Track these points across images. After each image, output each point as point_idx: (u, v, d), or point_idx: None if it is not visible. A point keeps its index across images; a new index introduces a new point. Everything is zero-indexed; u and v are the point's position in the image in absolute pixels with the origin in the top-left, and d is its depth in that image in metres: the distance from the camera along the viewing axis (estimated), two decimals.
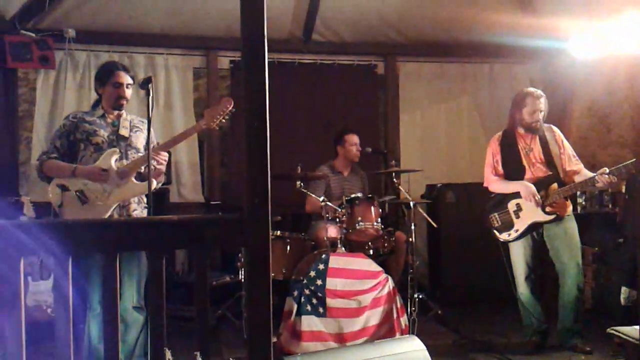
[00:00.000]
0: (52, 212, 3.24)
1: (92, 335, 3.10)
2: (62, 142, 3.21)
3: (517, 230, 3.72)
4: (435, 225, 4.55)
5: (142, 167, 3.19)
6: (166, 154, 3.19)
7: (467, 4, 5.18)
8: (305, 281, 3.57)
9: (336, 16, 5.36)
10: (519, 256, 3.76)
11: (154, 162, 3.09)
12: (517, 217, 3.71)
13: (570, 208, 3.73)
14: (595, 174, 3.49)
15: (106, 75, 3.24)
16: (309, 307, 3.51)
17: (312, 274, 3.59)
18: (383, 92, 5.89)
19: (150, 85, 2.87)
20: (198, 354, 1.62)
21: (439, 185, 5.28)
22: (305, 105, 5.60)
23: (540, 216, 3.65)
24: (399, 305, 3.65)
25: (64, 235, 1.68)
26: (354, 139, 4.87)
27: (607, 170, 3.42)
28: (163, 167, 3.21)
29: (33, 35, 4.67)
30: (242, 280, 4.24)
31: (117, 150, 3.19)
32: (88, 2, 4.80)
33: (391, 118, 5.85)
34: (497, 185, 3.85)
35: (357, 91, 5.75)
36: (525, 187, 3.68)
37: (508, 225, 3.75)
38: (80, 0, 4.77)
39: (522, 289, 3.78)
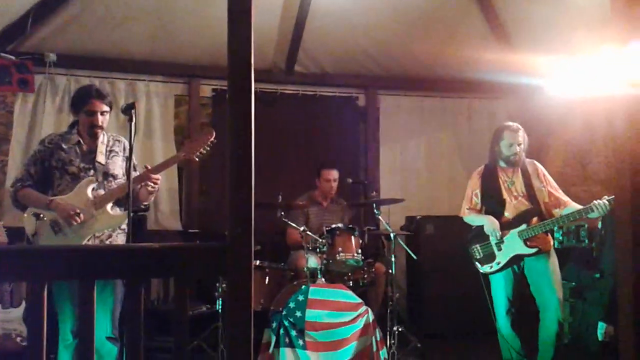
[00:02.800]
0: (26, 239, 3.16)
1: None
2: (36, 168, 3.14)
3: (498, 263, 3.72)
4: (415, 257, 4.55)
5: (121, 194, 3.13)
6: (159, 177, 3.14)
7: (448, 40, 5.29)
8: (284, 312, 3.51)
9: (319, 48, 5.42)
10: (499, 289, 3.76)
11: (150, 185, 3.08)
12: (499, 249, 3.72)
13: (552, 242, 3.76)
14: (591, 204, 3.50)
15: (80, 103, 3.17)
16: (287, 340, 3.45)
17: (292, 305, 3.54)
18: (364, 123, 5.94)
19: (132, 111, 2.84)
20: None
21: (418, 217, 5.30)
22: (286, 135, 5.62)
23: (522, 249, 3.66)
24: (378, 337, 3.60)
25: (39, 261, 1.64)
26: (330, 174, 4.89)
27: (607, 198, 3.45)
28: (157, 188, 3.17)
29: (12, 58, 4.62)
30: (219, 310, 4.17)
31: (94, 179, 3.12)
32: (70, 27, 4.77)
33: (371, 149, 5.89)
34: (469, 217, 3.93)
35: (339, 122, 5.79)
36: (489, 221, 3.74)
37: (490, 258, 3.76)
38: (62, 25, 4.73)
39: (502, 322, 3.76)
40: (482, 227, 3.81)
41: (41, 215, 3.05)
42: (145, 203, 3.24)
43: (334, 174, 4.90)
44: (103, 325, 3.00)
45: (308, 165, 5.20)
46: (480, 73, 5.52)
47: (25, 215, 3.10)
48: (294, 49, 5.34)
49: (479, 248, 3.81)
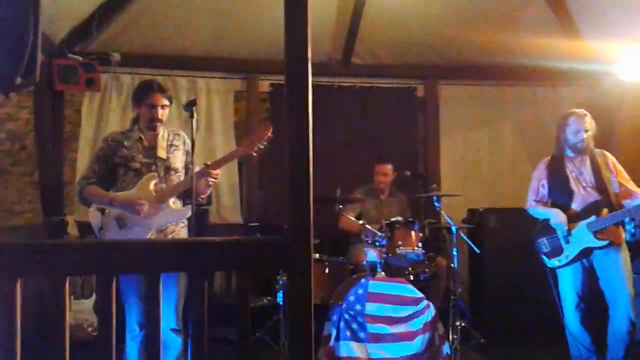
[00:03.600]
0: (94, 234, 3.28)
1: (130, 357, 3.10)
2: (100, 166, 3.23)
3: (567, 257, 3.59)
4: (477, 250, 4.44)
5: (183, 189, 3.20)
6: (219, 172, 3.19)
7: (509, 26, 5.11)
8: (344, 306, 3.50)
9: (376, 39, 5.36)
10: (568, 284, 3.63)
11: (211, 180, 3.13)
12: (567, 242, 3.59)
13: (623, 235, 3.58)
14: None
15: (141, 96, 3.24)
16: (348, 333, 3.44)
17: (351, 298, 3.52)
18: (423, 115, 5.84)
19: (194, 108, 2.88)
20: None
21: (481, 209, 5.17)
22: (344, 128, 5.59)
23: (591, 242, 3.51)
24: (440, 332, 3.54)
25: (106, 255, 1.68)
26: (383, 169, 4.84)
27: None
28: (216, 182, 3.23)
29: (80, 58, 4.79)
30: (280, 303, 4.20)
31: (156, 174, 3.20)
32: (133, 27, 4.91)
33: (431, 141, 5.79)
34: (534, 209, 3.82)
35: (397, 114, 5.71)
36: (556, 215, 3.62)
37: (557, 251, 3.63)
38: (125, 25, 4.88)
39: (571, 318, 3.63)
40: (548, 220, 3.68)
41: (106, 211, 3.15)
42: (203, 196, 3.29)
43: (386, 168, 4.85)
44: (167, 317, 3.08)
45: (365, 159, 5.16)
46: (544, 59, 5.32)
47: (91, 210, 3.21)
48: (351, 40, 5.30)
49: (545, 241, 3.68)
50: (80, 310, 4.22)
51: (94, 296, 4.30)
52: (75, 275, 4.04)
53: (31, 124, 5.23)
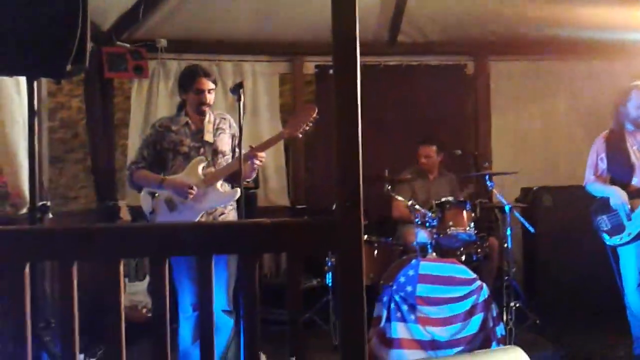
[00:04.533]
0: (145, 217, 3.34)
1: (184, 338, 3.16)
2: (149, 151, 3.28)
3: (629, 234, 3.45)
4: (532, 230, 4.31)
5: (231, 172, 3.22)
6: (264, 154, 3.19)
7: None
8: (394, 287, 3.47)
9: (423, 15, 5.22)
10: (629, 262, 3.49)
11: (256, 162, 3.15)
12: (629, 219, 3.44)
13: None
14: None
15: (188, 81, 3.26)
16: (399, 314, 3.40)
17: (402, 279, 3.48)
18: (473, 92, 5.68)
19: (241, 91, 2.87)
20: (293, 359, 1.58)
21: (535, 188, 5.02)
22: (390, 108, 5.50)
23: None
24: (494, 313, 3.47)
25: (158, 238, 1.70)
26: (426, 150, 4.74)
27: None
28: (261, 165, 3.24)
29: (128, 46, 4.86)
30: (329, 284, 4.20)
31: (204, 158, 3.22)
32: (178, 13, 4.94)
33: (482, 119, 5.63)
34: (593, 185, 3.67)
35: (446, 92, 5.57)
36: (617, 193, 3.48)
37: (619, 229, 3.49)
38: (171, 11, 4.91)
39: (632, 297, 3.50)
40: (608, 197, 3.55)
41: (156, 194, 3.20)
42: (249, 179, 3.30)
43: (430, 149, 4.74)
44: (218, 299, 3.10)
45: (414, 138, 5.07)
46: (599, 31, 5.07)
47: (141, 195, 3.27)
48: (397, 18, 5.17)
49: (605, 219, 3.54)
50: (134, 292, 4.33)
51: (147, 278, 4.40)
52: (129, 258, 4.14)
53: (82, 112, 5.36)
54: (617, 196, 3.48)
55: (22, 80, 3.30)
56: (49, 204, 2.48)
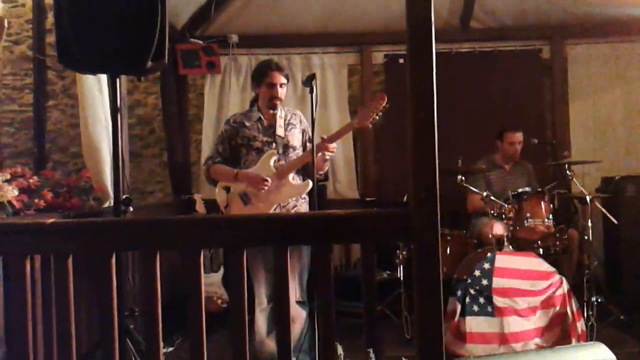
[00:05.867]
0: (219, 211, 3.42)
1: (260, 329, 3.22)
2: (224, 147, 3.37)
3: None
4: (615, 221, 4.10)
5: (302, 164, 3.25)
6: (335, 145, 3.20)
7: None
8: (469, 281, 3.39)
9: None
10: None
11: (327, 154, 3.16)
12: None
13: None
14: None
15: (260, 76, 3.31)
16: (475, 308, 3.33)
17: (477, 273, 3.40)
18: (549, 78, 5.45)
19: (313, 82, 2.88)
20: (371, 351, 1.57)
21: (617, 177, 4.77)
22: (463, 96, 5.35)
23: None
24: (574, 308, 3.34)
25: (234, 229, 1.73)
26: (514, 137, 4.57)
27: None
28: (331, 156, 3.25)
29: (201, 42, 4.98)
30: (401, 277, 4.16)
31: (275, 151, 3.27)
32: (248, 8, 5.03)
33: (559, 106, 5.39)
34: None
35: (521, 78, 5.37)
36: None
37: None
38: (241, 7, 5.01)
39: None
40: None
41: (231, 189, 3.27)
42: (321, 172, 3.31)
43: (519, 136, 4.57)
44: (292, 289, 3.16)
45: (487, 127, 4.92)
46: None
47: (217, 189, 3.35)
48: (469, 3, 5.05)
49: None
50: (209, 284, 4.44)
51: (222, 269, 4.50)
52: (206, 249, 4.25)
53: (158, 109, 5.53)
54: None
55: (103, 78, 3.46)
56: (131, 197, 2.58)
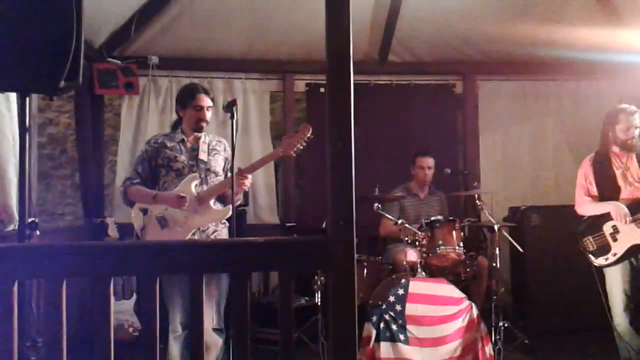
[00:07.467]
0: (135, 234, 3.32)
1: (173, 357, 3.12)
2: (143, 167, 3.30)
3: (615, 254, 3.48)
4: (521, 249, 4.33)
5: (222, 191, 3.22)
6: (251, 177, 3.21)
7: (550, 18, 4.97)
8: (384, 306, 3.46)
9: (413, 36, 5.27)
10: (616, 283, 3.51)
11: (245, 184, 3.16)
12: (615, 240, 3.47)
13: None
14: None
15: (187, 98, 3.30)
16: (388, 334, 3.39)
17: (392, 299, 3.48)
18: (461, 112, 5.74)
19: (234, 108, 2.89)
20: None
21: (522, 207, 5.05)
22: (381, 126, 5.52)
23: None
24: (483, 333, 3.47)
25: (149, 256, 1.68)
26: (424, 161, 4.76)
27: None
28: (246, 189, 3.25)
29: (119, 62, 4.86)
30: (318, 303, 4.18)
31: (197, 175, 3.24)
32: (169, 30, 4.95)
33: (470, 139, 5.67)
34: (587, 207, 3.67)
35: (435, 111, 5.62)
36: (616, 207, 3.49)
37: (604, 249, 3.52)
38: (162, 29, 4.92)
39: (620, 319, 3.51)
40: (594, 217, 3.59)
41: (148, 211, 3.19)
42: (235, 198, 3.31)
43: (428, 161, 4.77)
44: (209, 317, 3.10)
45: (403, 157, 5.09)
46: (587, 53, 5.15)
47: (133, 211, 3.26)
48: (388, 38, 5.23)
49: (591, 240, 3.57)
50: (121, 311, 4.27)
51: (134, 297, 4.35)
52: (117, 276, 4.10)
53: (71, 128, 5.33)
54: (616, 209, 3.48)
55: (12, 96, 3.30)
56: (37, 221, 2.45)
